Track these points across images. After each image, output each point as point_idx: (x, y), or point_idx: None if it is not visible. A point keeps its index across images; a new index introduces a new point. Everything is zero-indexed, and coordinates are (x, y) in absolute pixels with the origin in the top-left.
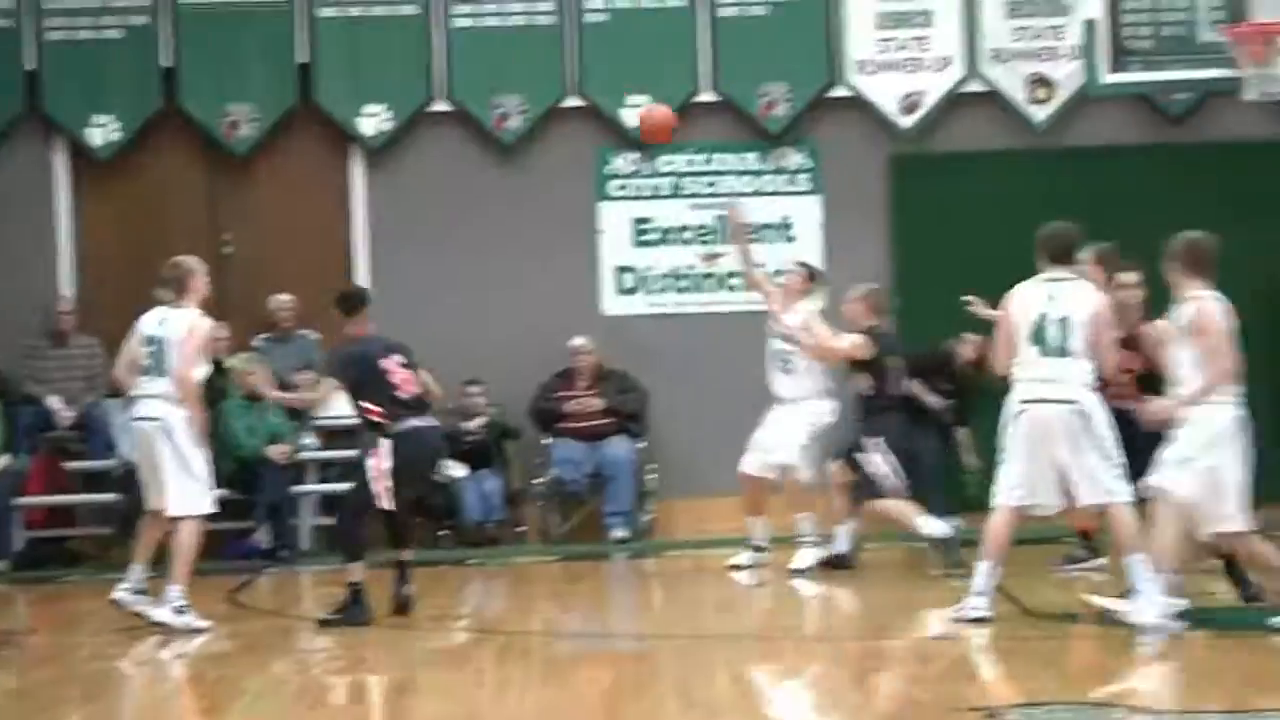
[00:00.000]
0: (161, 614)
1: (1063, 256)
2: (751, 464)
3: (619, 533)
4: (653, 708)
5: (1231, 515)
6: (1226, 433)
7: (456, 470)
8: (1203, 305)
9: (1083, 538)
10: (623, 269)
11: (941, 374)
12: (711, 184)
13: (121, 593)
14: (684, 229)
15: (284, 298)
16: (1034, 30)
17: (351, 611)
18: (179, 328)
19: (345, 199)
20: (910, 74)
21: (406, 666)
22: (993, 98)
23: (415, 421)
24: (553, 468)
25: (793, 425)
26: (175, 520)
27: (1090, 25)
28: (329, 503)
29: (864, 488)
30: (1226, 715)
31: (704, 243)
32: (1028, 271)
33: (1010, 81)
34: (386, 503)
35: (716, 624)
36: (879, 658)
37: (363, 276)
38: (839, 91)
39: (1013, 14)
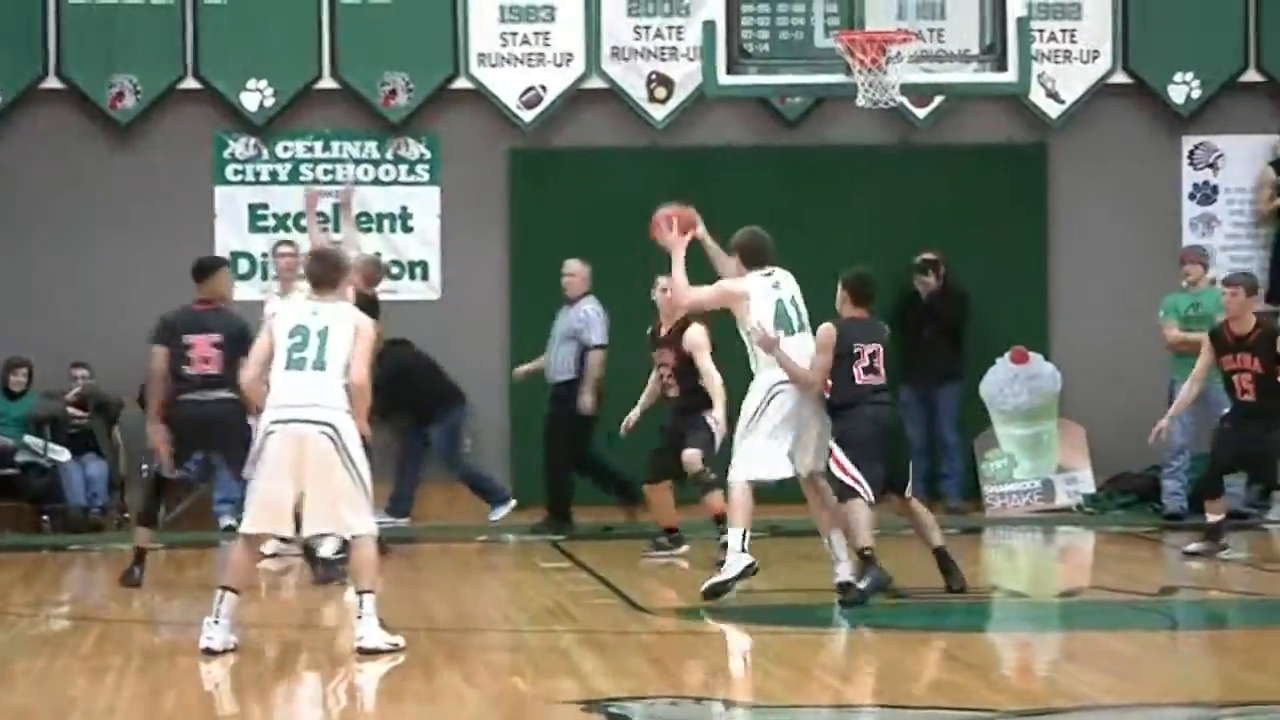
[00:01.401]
0: None
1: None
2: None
3: (227, 520)
4: (257, 696)
5: None
6: None
7: (60, 453)
8: None
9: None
10: (238, 254)
11: None
12: (330, 171)
13: None
14: (301, 216)
15: None
16: (654, 29)
17: None
18: None
19: None
20: (532, 69)
21: (1, 651)
22: (613, 95)
23: (195, 396)
24: None
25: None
26: None
27: (709, 26)
28: None
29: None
30: (831, 709)
31: (321, 230)
32: (645, 268)
33: (630, 80)
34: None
35: (315, 615)
36: (480, 649)
37: None
38: (461, 83)
39: (633, 12)
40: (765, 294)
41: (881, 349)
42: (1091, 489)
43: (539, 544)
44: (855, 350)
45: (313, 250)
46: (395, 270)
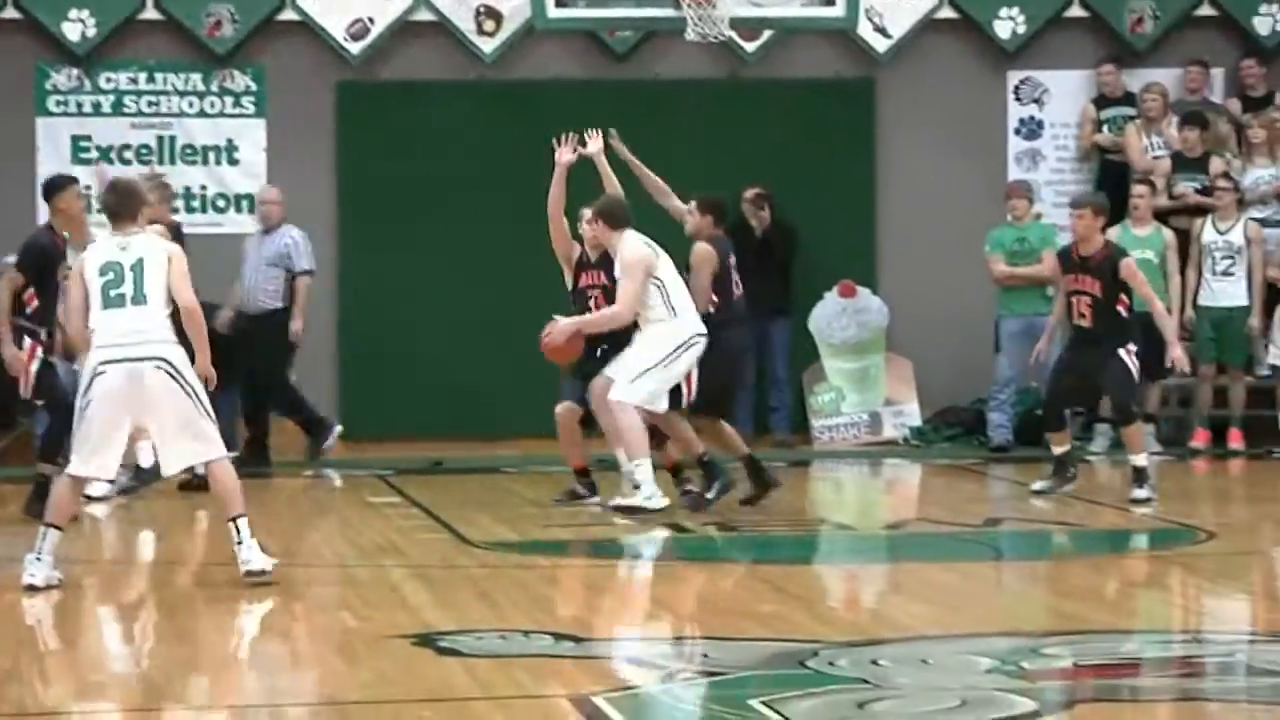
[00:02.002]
0: None
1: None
2: None
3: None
4: (79, 632)
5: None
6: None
7: None
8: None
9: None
10: None
11: None
12: (154, 103)
13: None
14: (125, 148)
15: None
16: None
17: None
18: None
19: None
20: (359, 0)
21: None
22: (441, 28)
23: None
24: None
25: None
26: None
27: None
28: None
29: None
30: (658, 641)
31: (144, 162)
32: (480, 210)
33: (459, 12)
34: None
35: (138, 550)
36: (308, 584)
37: None
38: (287, 15)
39: None
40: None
41: None
42: (918, 422)
43: (368, 479)
44: (730, 265)
45: (109, 182)
46: (221, 203)
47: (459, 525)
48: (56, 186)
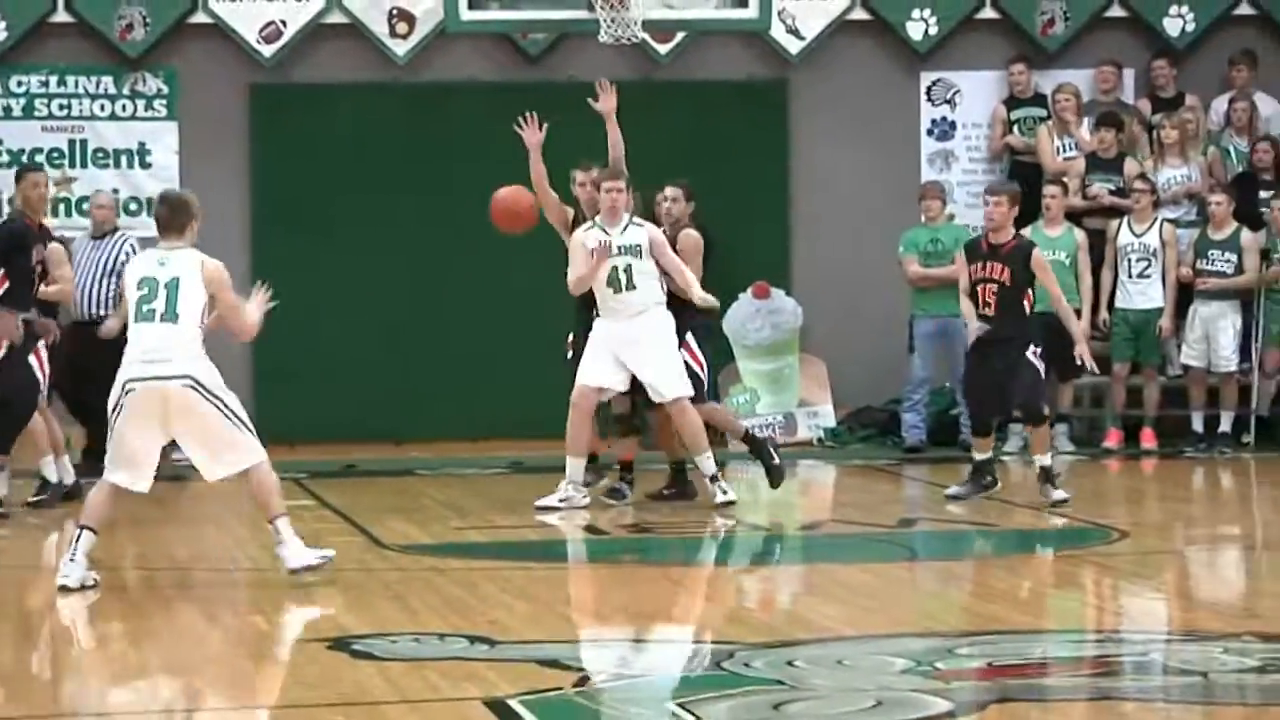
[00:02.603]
0: None
1: None
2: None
3: None
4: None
5: None
6: None
7: None
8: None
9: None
10: None
11: None
12: (65, 107)
13: None
14: (36, 151)
15: None
16: None
17: None
18: None
19: None
20: (271, 2)
21: None
22: (354, 30)
23: None
24: None
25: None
26: None
27: None
28: None
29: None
30: (568, 644)
31: (56, 166)
32: (393, 213)
33: (371, 14)
34: None
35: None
36: (223, 587)
37: None
38: (199, 18)
39: None
40: None
41: None
42: (832, 423)
43: (282, 481)
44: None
45: (160, 194)
46: (133, 207)
47: (372, 528)
48: (18, 175)
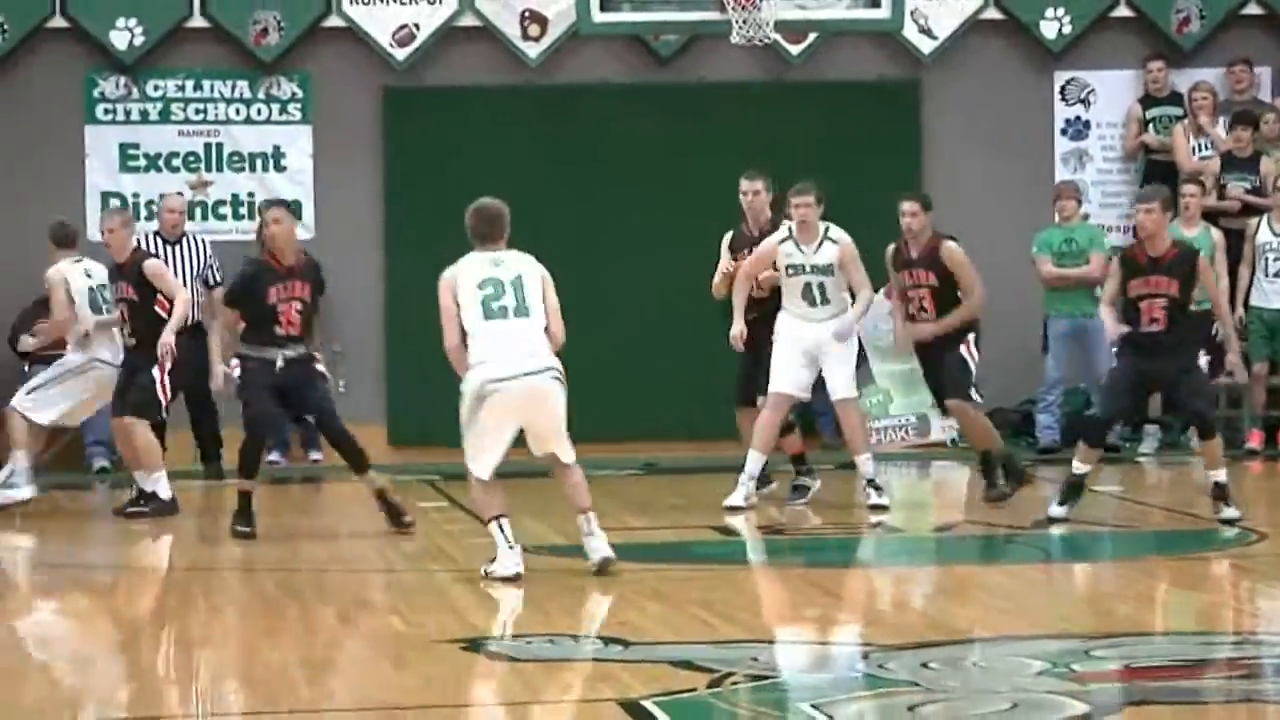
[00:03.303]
0: None
1: None
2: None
3: (100, 462)
4: (130, 632)
5: None
6: None
7: None
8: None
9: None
10: (109, 194)
11: None
12: (200, 111)
13: None
14: (173, 155)
15: None
16: None
17: None
18: None
19: None
20: (404, 6)
21: None
22: (486, 32)
23: None
24: None
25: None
26: None
27: None
28: None
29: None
30: (708, 645)
31: (192, 169)
32: (525, 216)
33: (504, 17)
34: None
35: (192, 555)
36: (359, 588)
37: None
38: (333, 21)
39: None
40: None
41: None
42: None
43: (415, 483)
44: None
45: (474, 208)
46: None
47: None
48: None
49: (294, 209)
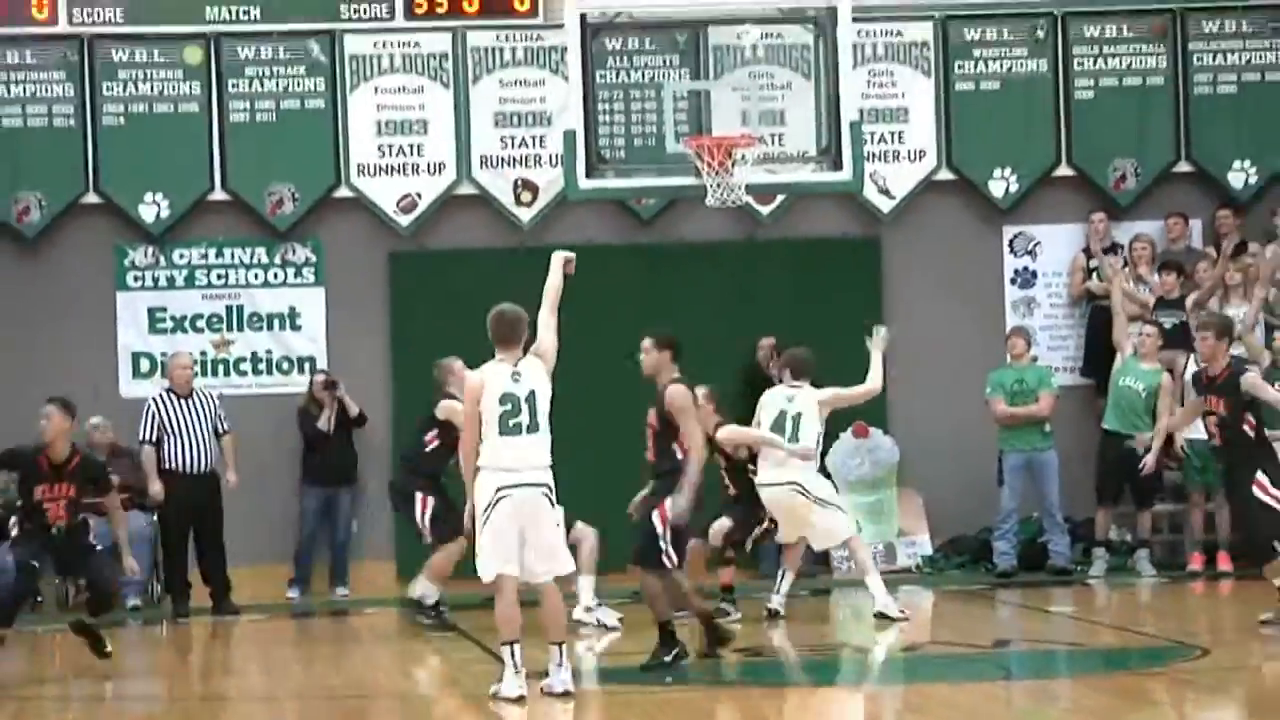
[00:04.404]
0: None
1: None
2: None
3: (133, 601)
4: None
5: None
6: None
7: None
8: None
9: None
10: (139, 354)
11: None
12: (222, 276)
13: None
14: (198, 318)
15: None
16: (519, 139)
17: None
18: None
19: None
20: (407, 177)
21: None
22: (483, 200)
23: None
24: None
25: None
26: None
27: (569, 135)
28: None
29: None
30: None
31: (215, 330)
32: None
33: (498, 185)
34: None
35: (259, 683)
36: (377, 715)
37: None
38: (342, 192)
39: (499, 124)
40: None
41: None
42: (929, 551)
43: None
44: None
45: (495, 312)
46: (285, 366)
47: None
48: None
49: (309, 364)
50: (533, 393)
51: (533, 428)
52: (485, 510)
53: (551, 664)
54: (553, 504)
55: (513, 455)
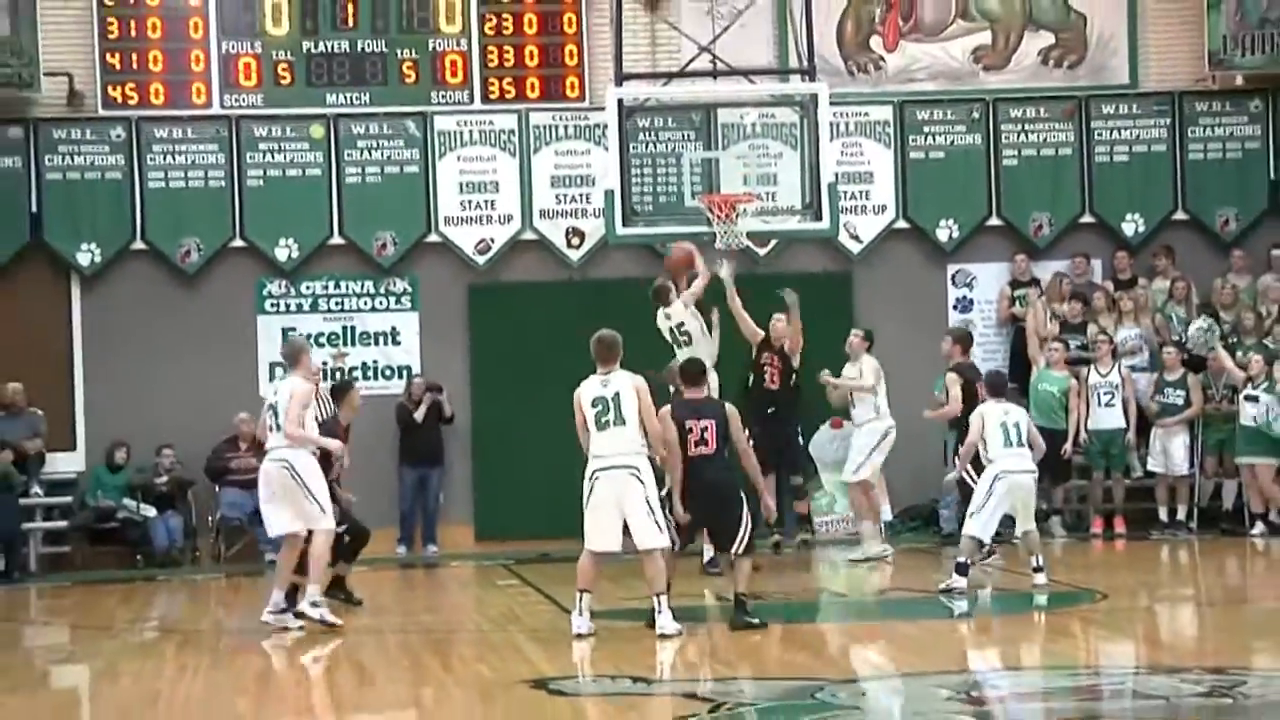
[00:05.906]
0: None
1: None
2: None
3: (271, 556)
4: (295, 684)
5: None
6: None
7: (149, 510)
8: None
9: None
10: (274, 364)
11: None
12: (339, 303)
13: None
14: (320, 335)
15: (15, 385)
16: (570, 195)
17: None
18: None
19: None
20: (484, 225)
21: (109, 657)
22: (541, 244)
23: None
24: (220, 508)
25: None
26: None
27: (609, 194)
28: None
29: None
30: (688, 682)
31: (333, 345)
32: (570, 373)
33: (554, 232)
34: None
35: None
36: (457, 645)
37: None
38: (433, 237)
39: (554, 184)
40: None
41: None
42: (889, 517)
43: (494, 567)
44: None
45: (598, 336)
46: (388, 373)
47: (560, 599)
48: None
49: (406, 372)
50: (617, 394)
51: (618, 421)
52: (587, 490)
53: (656, 612)
54: (641, 482)
55: (604, 444)
